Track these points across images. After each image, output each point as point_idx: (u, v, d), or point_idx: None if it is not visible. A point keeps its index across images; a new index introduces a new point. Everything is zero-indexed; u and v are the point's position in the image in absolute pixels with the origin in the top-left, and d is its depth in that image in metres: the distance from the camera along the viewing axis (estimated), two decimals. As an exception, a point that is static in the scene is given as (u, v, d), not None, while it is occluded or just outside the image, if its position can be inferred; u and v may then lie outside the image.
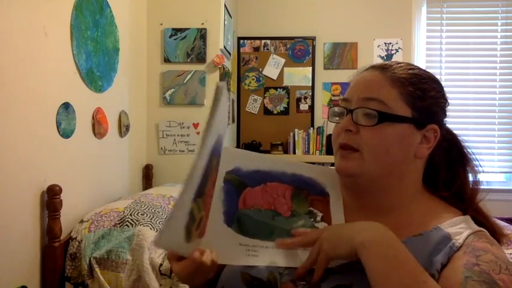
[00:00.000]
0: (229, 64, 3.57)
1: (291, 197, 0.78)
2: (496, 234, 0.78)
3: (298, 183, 0.79)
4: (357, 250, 0.66)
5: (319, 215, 0.79)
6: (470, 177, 0.83)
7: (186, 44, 2.98)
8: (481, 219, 0.80)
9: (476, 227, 0.75)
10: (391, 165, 0.76)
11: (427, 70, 0.83)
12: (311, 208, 0.79)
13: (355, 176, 0.77)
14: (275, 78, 4.05)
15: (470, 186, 0.82)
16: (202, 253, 0.67)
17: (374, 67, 0.81)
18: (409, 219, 0.77)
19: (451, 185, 0.82)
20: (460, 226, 0.74)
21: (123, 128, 2.55)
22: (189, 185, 0.59)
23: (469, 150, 0.85)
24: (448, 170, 0.83)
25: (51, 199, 1.73)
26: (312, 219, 0.79)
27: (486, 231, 0.75)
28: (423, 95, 0.77)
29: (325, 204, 0.81)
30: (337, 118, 0.82)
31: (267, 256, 0.75)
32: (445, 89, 0.82)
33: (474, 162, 0.84)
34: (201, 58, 2.97)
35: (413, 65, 0.83)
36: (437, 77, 0.83)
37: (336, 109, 0.82)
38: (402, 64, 0.81)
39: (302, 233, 0.76)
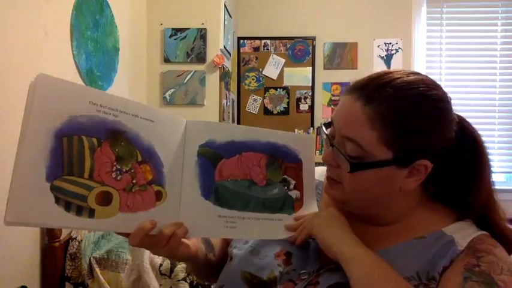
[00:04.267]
0: (229, 64, 3.57)
1: (266, 165, 0.79)
2: (508, 241, 0.73)
3: (272, 152, 0.79)
4: (336, 258, 0.69)
5: (292, 182, 0.81)
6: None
7: (186, 44, 2.98)
8: (492, 223, 0.75)
9: (480, 231, 0.74)
10: (374, 200, 0.74)
11: (433, 86, 0.71)
12: (285, 176, 0.81)
13: (341, 203, 0.77)
14: (275, 78, 4.04)
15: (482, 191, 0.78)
16: (153, 224, 0.69)
17: (357, 91, 0.70)
18: (409, 225, 0.76)
19: (457, 192, 0.77)
20: (464, 230, 0.73)
21: (123, 128, 2.54)
22: (19, 165, 0.61)
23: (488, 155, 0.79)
24: (459, 181, 0.77)
25: (51, 199, 1.72)
26: (286, 188, 0.80)
27: (489, 234, 0.73)
28: (408, 135, 0.68)
29: (298, 170, 0.82)
30: (325, 137, 0.78)
31: (244, 228, 0.76)
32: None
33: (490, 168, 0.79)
34: (201, 58, 2.97)
35: (412, 85, 0.69)
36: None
37: (323, 135, 0.78)
38: (394, 86, 0.68)
39: (299, 230, 0.77)
